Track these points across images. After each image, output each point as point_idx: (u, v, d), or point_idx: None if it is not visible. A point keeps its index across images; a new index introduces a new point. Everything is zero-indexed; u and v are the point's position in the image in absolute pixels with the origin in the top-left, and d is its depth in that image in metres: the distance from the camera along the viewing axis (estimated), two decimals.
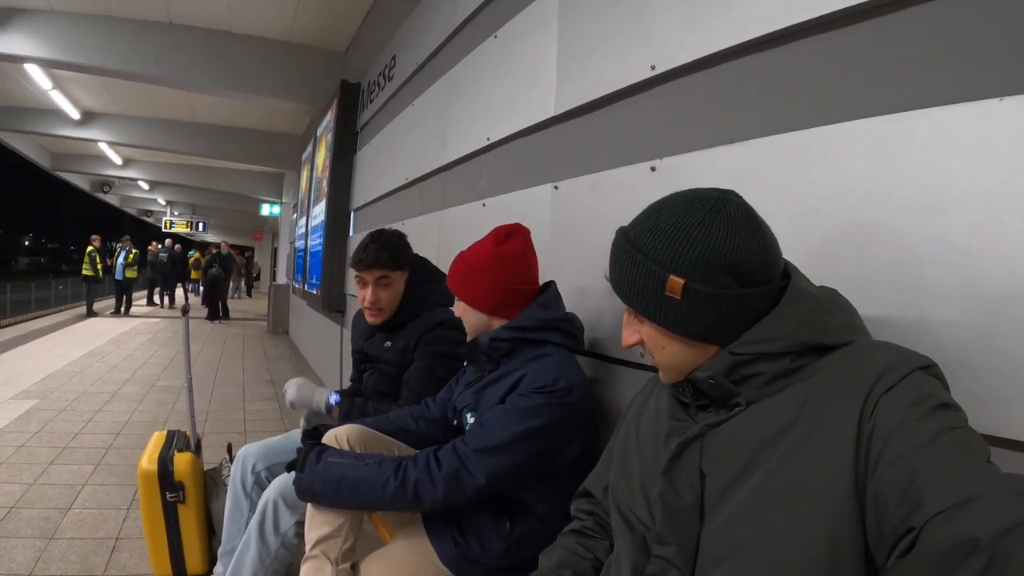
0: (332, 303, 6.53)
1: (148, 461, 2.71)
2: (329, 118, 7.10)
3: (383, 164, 5.14)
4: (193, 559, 2.77)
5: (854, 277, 1.22)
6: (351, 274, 2.65)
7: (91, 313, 15.44)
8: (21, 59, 7.82)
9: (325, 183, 6.94)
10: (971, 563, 0.71)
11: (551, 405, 1.67)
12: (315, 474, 1.73)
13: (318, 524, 1.78)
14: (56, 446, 4.82)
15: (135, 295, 17.59)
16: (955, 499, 0.76)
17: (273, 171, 16.27)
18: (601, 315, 2.04)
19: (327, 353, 7.35)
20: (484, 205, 2.95)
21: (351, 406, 2.44)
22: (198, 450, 2.90)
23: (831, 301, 1.07)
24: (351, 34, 7.45)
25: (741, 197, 1.07)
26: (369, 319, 2.55)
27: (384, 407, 2.42)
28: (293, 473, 1.87)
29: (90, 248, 15.38)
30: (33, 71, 9.06)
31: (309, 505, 1.81)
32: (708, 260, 1.01)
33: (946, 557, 0.74)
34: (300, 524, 2.20)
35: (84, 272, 15.50)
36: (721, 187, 1.09)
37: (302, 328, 10.85)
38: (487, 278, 1.90)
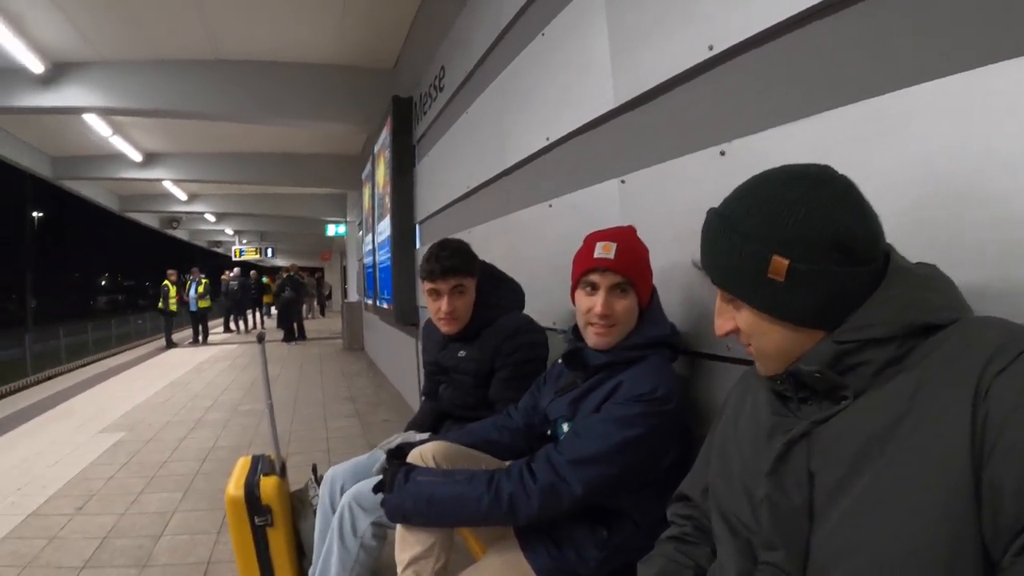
0: (405, 316, 6.55)
1: (235, 487, 2.74)
2: (385, 134, 7.14)
3: (443, 175, 5.14)
4: None
5: (949, 244, 1.14)
6: (422, 286, 2.62)
7: (170, 344, 15.86)
8: (79, 110, 8.22)
9: (388, 199, 6.99)
10: None
11: (649, 414, 1.61)
12: (404, 494, 1.70)
13: (409, 544, 1.75)
14: (145, 475, 4.94)
15: (211, 323, 17.97)
16: None
17: (335, 192, 16.52)
18: (682, 309, 1.96)
19: (403, 367, 7.43)
20: (550, 206, 2.89)
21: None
22: (283, 473, 2.92)
23: (933, 278, 0.99)
24: (397, 50, 7.52)
25: (838, 171, 1.01)
26: (444, 329, 2.52)
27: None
28: (369, 480, 1.84)
29: (166, 282, 15.79)
30: (92, 120, 9.44)
31: (399, 525, 1.78)
32: (815, 237, 0.95)
33: None
34: (376, 525, 2.24)
35: (160, 306, 15.98)
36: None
37: (377, 344, 10.93)
38: (649, 271, 1.83)
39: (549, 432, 1.90)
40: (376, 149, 8.05)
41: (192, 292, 16.39)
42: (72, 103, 7.82)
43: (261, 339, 3.15)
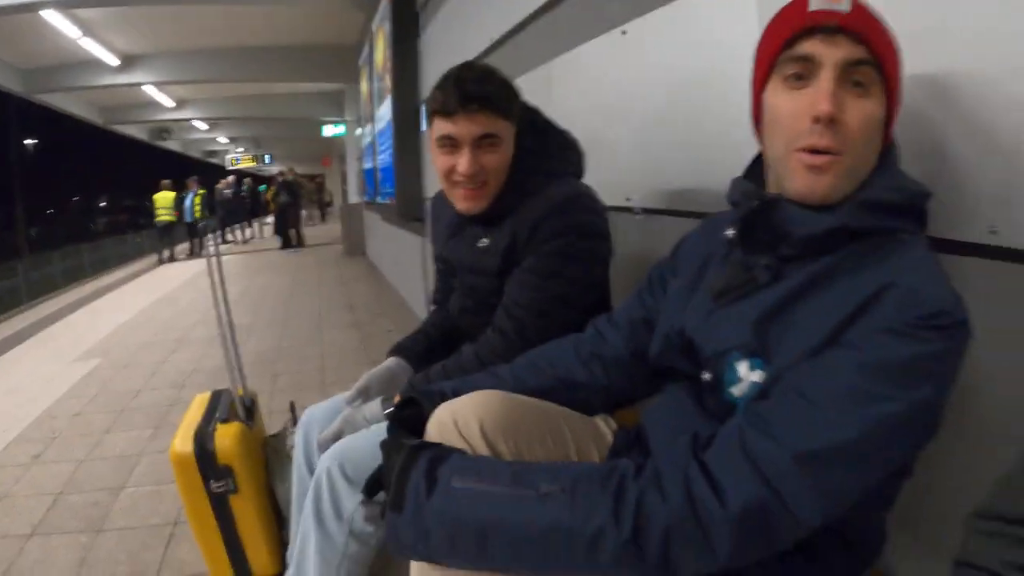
0: (408, 211, 5.67)
1: (182, 441, 1.94)
2: (383, 5, 6.18)
3: (456, 35, 4.20)
4: (259, 559, 2.02)
5: None
6: (428, 176, 1.68)
7: (167, 259, 15.29)
8: (33, 7, 7.48)
9: (388, 77, 6.05)
10: None
11: (950, 354, 0.77)
12: (430, 517, 0.85)
13: None
14: (113, 410, 4.27)
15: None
16: None
17: (332, 88, 15.54)
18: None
19: (408, 270, 6.72)
20: (624, 33, 1.96)
21: (427, 378, 1.57)
22: (250, 416, 2.13)
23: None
24: None
25: None
26: (463, 204, 1.59)
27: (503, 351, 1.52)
28: (359, 435, 1.36)
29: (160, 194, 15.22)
30: (55, 20, 8.58)
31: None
32: None
33: None
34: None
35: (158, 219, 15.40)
36: None
37: (379, 247, 10.22)
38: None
39: (710, 376, 0.96)
40: (374, 27, 7.08)
41: (188, 203, 15.75)
42: None
43: (204, 234, 2.28)
